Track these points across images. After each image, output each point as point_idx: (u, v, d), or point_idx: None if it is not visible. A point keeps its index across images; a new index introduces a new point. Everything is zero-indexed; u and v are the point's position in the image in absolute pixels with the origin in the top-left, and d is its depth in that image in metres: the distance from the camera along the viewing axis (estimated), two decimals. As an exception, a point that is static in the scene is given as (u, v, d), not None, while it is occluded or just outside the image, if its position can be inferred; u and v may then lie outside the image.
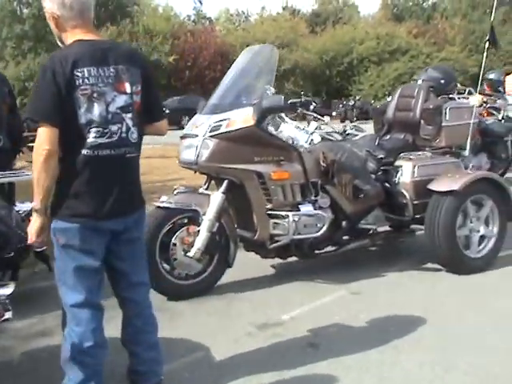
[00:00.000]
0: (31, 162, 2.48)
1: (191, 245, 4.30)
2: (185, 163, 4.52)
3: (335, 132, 5.57)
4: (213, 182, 4.59)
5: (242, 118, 4.34)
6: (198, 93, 26.98)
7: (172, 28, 34.45)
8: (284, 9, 49.24)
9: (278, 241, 4.57)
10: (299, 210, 4.56)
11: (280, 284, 4.75)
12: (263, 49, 5.00)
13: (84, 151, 2.50)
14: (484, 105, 9.59)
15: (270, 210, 4.49)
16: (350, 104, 29.46)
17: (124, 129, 2.58)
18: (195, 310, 4.23)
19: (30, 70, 27.46)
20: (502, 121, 9.48)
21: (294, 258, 4.94)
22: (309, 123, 5.18)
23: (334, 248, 4.96)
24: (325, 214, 4.65)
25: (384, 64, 37.10)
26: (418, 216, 5.04)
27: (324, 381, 3.23)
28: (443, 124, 5.37)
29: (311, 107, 4.95)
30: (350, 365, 3.35)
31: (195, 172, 4.60)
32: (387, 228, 5.22)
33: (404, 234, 5.37)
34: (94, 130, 2.50)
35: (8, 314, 3.08)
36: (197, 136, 4.38)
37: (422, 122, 5.44)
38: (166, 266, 4.40)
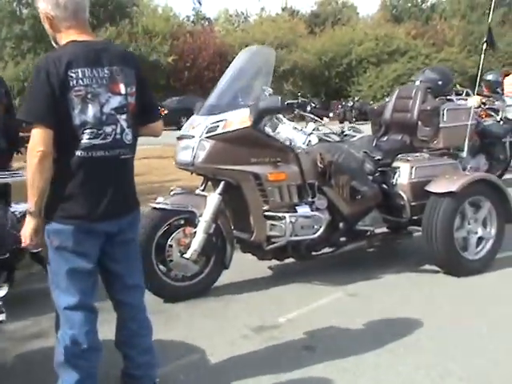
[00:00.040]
0: None
1: (187, 246, 4.28)
2: (181, 164, 4.50)
3: (333, 133, 5.55)
4: (210, 183, 4.57)
5: (239, 119, 4.33)
6: (197, 93, 26.93)
7: (171, 28, 34.42)
8: (283, 9, 49.25)
9: (274, 242, 4.55)
10: (296, 212, 4.55)
11: (277, 286, 4.74)
12: (260, 50, 5.00)
13: (78, 152, 2.48)
14: (482, 106, 9.59)
15: (267, 211, 4.47)
16: (349, 105, 29.36)
17: (118, 130, 2.57)
18: (191, 312, 4.21)
19: (29, 70, 27.31)
20: (501, 122, 9.47)
21: (291, 260, 4.92)
22: (307, 124, 5.17)
23: (331, 250, 4.94)
24: (322, 216, 4.63)
25: (383, 65, 37.06)
26: (415, 217, 5.03)
27: (320, 384, 3.21)
28: (441, 125, 5.35)
29: (308, 108, 4.93)
30: (345, 368, 3.33)
31: (192, 173, 4.58)
32: (384, 229, 5.18)
33: (401, 235, 5.35)
34: (88, 131, 2.48)
35: (1, 317, 3.06)
36: (193, 137, 4.36)
37: (420, 123, 5.42)
38: (162, 267, 4.39)
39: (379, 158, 5.14)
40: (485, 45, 5.92)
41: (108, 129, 2.53)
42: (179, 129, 6.63)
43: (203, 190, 4.52)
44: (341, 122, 25.82)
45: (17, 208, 4.25)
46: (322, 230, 4.61)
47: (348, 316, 4.08)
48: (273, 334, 3.83)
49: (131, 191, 2.74)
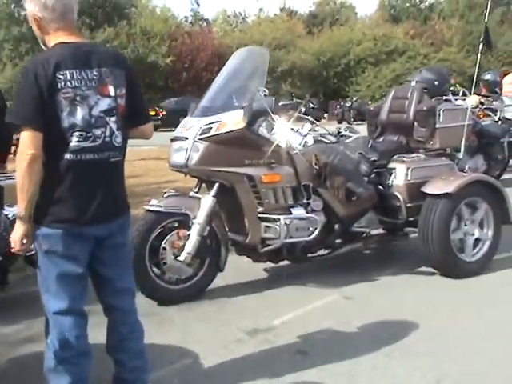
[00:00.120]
0: None
1: (181, 249, 4.25)
2: (175, 166, 4.47)
3: (329, 134, 5.52)
4: (204, 185, 4.54)
5: (233, 120, 4.30)
6: (195, 94, 26.83)
7: (169, 29, 34.41)
8: (281, 10, 49.22)
9: (269, 244, 4.52)
10: (291, 214, 4.52)
11: (272, 288, 4.70)
12: (254, 50, 4.97)
13: (67, 155, 2.45)
14: (480, 106, 9.57)
15: (262, 213, 4.45)
16: (347, 105, 29.42)
17: (108, 133, 2.53)
18: (185, 315, 4.18)
19: (27, 72, 27.38)
20: (499, 122, 9.46)
21: (286, 262, 4.88)
22: (303, 125, 5.14)
23: (326, 251, 4.91)
24: (317, 218, 4.60)
25: (381, 65, 37.11)
26: (411, 219, 5.00)
27: (313, 388, 3.18)
28: (437, 126, 5.31)
29: (303, 109, 4.90)
30: (339, 372, 3.30)
31: (185, 175, 4.55)
32: (380, 231, 5.16)
33: (397, 237, 5.32)
34: (76, 133, 2.45)
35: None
36: (187, 139, 4.33)
37: (416, 123, 5.39)
38: (155, 270, 4.35)
39: (375, 159, 5.11)
40: (481, 45, 5.88)
41: (97, 131, 2.50)
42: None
43: (197, 192, 4.48)
44: (339, 123, 25.83)
45: (10, 211, 4.22)
46: (317, 231, 4.57)
47: (343, 318, 4.05)
48: (267, 337, 3.79)
49: (121, 194, 2.71)
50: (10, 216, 4.18)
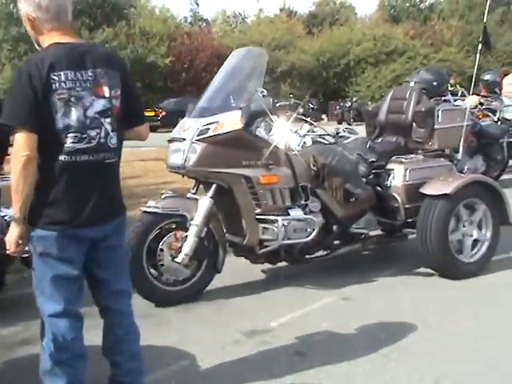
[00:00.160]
0: None
1: (179, 250, 4.24)
2: (172, 167, 4.46)
3: (328, 134, 5.51)
4: (201, 186, 4.52)
5: (230, 121, 4.29)
6: (195, 95, 26.78)
7: (168, 30, 34.39)
8: (281, 10, 49.19)
9: (267, 246, 4.51)
10: (289, 215, 4.50)
11: (270, 289, 4.69)
12: (252, 51, 4.94)
13: (61, 157, 2.43)
14: (479, 106, 9.56)
15: (259, 214, 4.43)
16: (347, 105, 29.41)
17: (103, 134, 2.52)
18: (183, 317, 4.17)
19: (26, 72, 27.36)
20: (498, 122, 9.44)
21: (284, 263, 4.87)
22: (301, 126, 5.12)
23: (324, 253, 4.90)
24: (315, 219, 4.59)
25: (381, 65, 37.10)
26: (410, 220, 4.99)
27: (311, 390, 3.17)
28: (436, 126, 5.29)
29: (301, 110, 4.88)
30: (337, 373, 3.29)
31: (183, 176, 4.53)
32: (379, 232, 5.13)
33: (396, 238, 5.30)
34: (71, 135, 2.43)
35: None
36: (184, 140, 4.32)
37: (414, 124, 5.37)
38: (153, 271, 4.34)
39: (373, 159, 5.09)
40: (480, 45, 5.87)
41: (92, 132, 2.49)
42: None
43: (195, 194, 4.47)
44: (339, 123, 25.84)
45: (6, 212, 4.20)
46: (315, 233, 4.56)
47: (341, 320, 4.03)
48: (265, 338, 3.78)
49: (117, 196, 2.69)
50: (6, 218, 4.16)
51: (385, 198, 5.05)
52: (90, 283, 2.73)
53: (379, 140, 5.56)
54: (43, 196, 2.46)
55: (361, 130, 6.19)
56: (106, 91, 2.53)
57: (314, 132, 5.34)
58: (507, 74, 11.52)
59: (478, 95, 10.07)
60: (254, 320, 4.06)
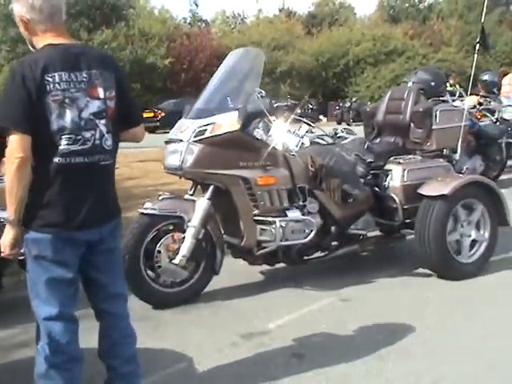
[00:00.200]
0: None
1: (176, 252, 4.22)
2: (169, 169, 4.45)
3: (326, 135, 5.50)
4: (199, 187, 4.51)
5: (227, 122, 4.27)
6: (194, 95, 26.59)
7: (168, 31, 34.32)
8: (280, 10, 49.16)
9: (265, 247, 4.49)
10: (286, 216, 4.49)
11: (268, 291, 4.67)
12: (249, 51, 4.92)
13: (56, 159, 2.42)
14: (478, 106, 9.55)
15: (257, 215, 4.41)
16: (347, 106, 29.38)
17: (98, 135, 2.51)
18: (180, 319, 4.15)
19: (24, 73, 27.32)
20: (497, 123, 9.44)
21: (283, 264, 4.86)
22: (300, 127, 5.11)
23: (322, 254, 4.88)
24: (313, 220, 4.57)
25: (380, 65, 37.04)
26: (408, 221, 4.98)
27: (308, 392, 3.16)
28: (433, 127, 5.29)
29: (298, 111, 4.87)
30: (335, 375, 3.28)
31: (180, 178, 4.52)
32: (377, 233, 5.12)
33: (394, 238, 5.29)
34: (66, 136, 2.42)
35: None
36: (181, 141, 4.30)
37: (412, 124, 5.36)
38: (150, 273, 4.32)
39: (371, 160, 5.08)
40: (478, 45, 5.87)
41: (87, 134, 2.47)
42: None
43: (192, 195, 4.45)
44: (338, 123, 25.83)
45: (1, 215, 4.19)
46: (313, 234, 4.54)
47: (339, 321, 4.02)
48: (262, 340, 3.77)
49: (112, 198, 2.68)
50: (1, 220, 4.14)
51: (383, 198, 5.04)
52: (85, 286, 2.71)
53: (377, 140, 5.56)
54: (38, 198, 2.44)
55: (360, 131, 6.19)
56: (101, 92, 2.52)
57: (312, 133, 5.33)
58: (506, 74, 11.52)
59: (478, 95, 10.08)
60: (252, 322, 4.05)
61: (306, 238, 4.54)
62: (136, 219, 4.32)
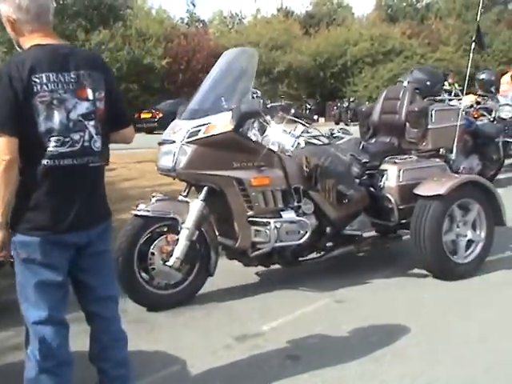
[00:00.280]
0: None
1: (170, 254, 4.19)
2: (163, 170, 4.42)
3: (322, 135, 5.46)
4: (193, 188, 4.48)
5: (221, 123, 4.25)
6: (192, 96, 26.81)
7: (165, 31, 34.25)
8: (278, 10, 49.12)
9: (259, 248, 4.46)
10: (281, 217, 4.46)
11: (263, 293, 4.64)
12: (243, 51, 4.89)
13: (44, 161, 2.39)
14: (475, 106, 9.54)
15: (252, 216, 4.38)
16: (345, 106, 29.37)
17: (87, 137, 2.48)
18: (174, 321, 4.12)
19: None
20: (494, 122, 9.43)
21: (278, 266, 4.83)
22: (295, 127, 5.08)
23: (318, 255, 4.85)
24: (308, 221, 4.55)
25: (378, 65, 37.00)
26: (404, 221, 4.95)
27: (302, 395, 3.13)
28: (429, 126, 5.26)
29: (292, 111, 4.83)
30: (330, 377, 3.25)
31: (174, 179, 4.49)
32: (373, 233, 5.10)
33: (390, 239, 5.26)
34: (54, 138, 2.39)
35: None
36: (174, 142, 4.27)
37: (408, 124, 5.34)
38: (144, 275, 4.29)
39: (366, 160, 5.05)
40: (473, 44, 5.85)
41: (75, 136, 2.44)
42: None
43: (186, 196, 4.42)
44: (336, 123, 25.82)
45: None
46: (307, 235, 4.52)
47: (334, 323, 4.00)
48: (256, 342, 3.74)
49: (101, 201, 2.65)
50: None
51: (378, 198, 5.01)
52: (75, 289, 2.69)
53: (373, 140, 5.53)
54: (25, 201, 2.41)
55: (357, 131, 6.16)
56: (90, 93, 2.49)
57: (308, 133, 5.30)
58: (504, 74, 11.50)
59: (475, 94, 10.07)
60: (246, 324, 4.02)
61: (300, 239, 4.51)
62: (129, 221, 4.30)
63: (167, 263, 4.17)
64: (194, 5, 65.10)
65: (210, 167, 4.23)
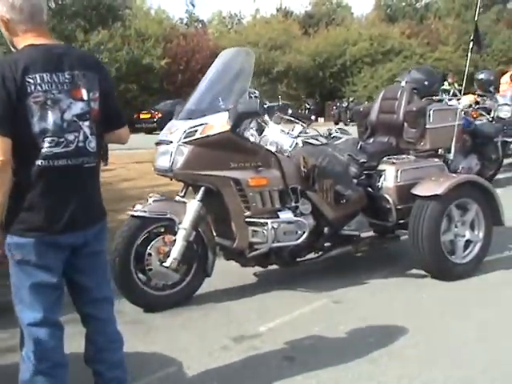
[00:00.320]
0: None
1: (167, 254, 4.17)
2: (160, 170, 4.40)
3: (320, 135, 5.45)
4: (190, 189, 4.46)
5: (217, 123, 4.23)
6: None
7: (164, 31, 34.21)
8: (278, 10, 49.09)
9: (257, 249, 4.44)
10: (278, 217, 4.44)
11: (260, 293, 4.62)
12: (240, 51, 4.87)
13: (38, 162, 2.37)
14: (473, 106, 9.54)
15: (249, 217, 4.37)
16: (344, 106, 29.36)
17: (81, 137, 2.46)
18: (170, 322, 4.10)
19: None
20: (493, 121, 9.42)
21: (275, 266, 4.81)
22: (293, 127, 5.07)
23: (315, 255, 4.83)
24: (305, 221, 4.53)
25: (377, 65, 36.99)
26: (402, 221, 4.94)
27: (298, 396, 3.12)
28: (427, 126, 5.24)
29: (289, 111, 4.81)
30: (326, 378, 3.24)
31: (171, 179, 4.47)
32: (371, 234, 5.07)
33: (388, 239, 5.24)
34: (48, 139, 2.37)
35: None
36: (171, 142, 4.26)
37: (406, 124, 5.32)
38: (141, 276, 4.27)
39: (364, 160, 5.04)
40: (471, 44, 5.83)
41: (70, 136, 2.43)
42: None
43: (183, 197, 4.41)
44: (336, 123, 25.81)
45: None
46: (305, 235, 4.50)
47: (331, 324, 3.98)
48: (253, 343, 3.72)
49: (97, 201, 2.64)
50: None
51: (376, 199, 4.99)
52: (70, 290, 2.68)
53: (370, 140, 5.52)
54: (20, 202, 2.40)
55: (355, 131, 6.14)
56: (84, 94, 2.47)
57: (306, 133, 5.28)
58: (504, 74, 11.49)
59: (475, 94, 10.06)
60: (243, 325, 4.01)
61: (298, 239, 4.49)
62: (126, 221, 4.28)
63: (164, 264, 4.15)
64: (193, 5, 65.28)
65: (207, 167, 4.21)
